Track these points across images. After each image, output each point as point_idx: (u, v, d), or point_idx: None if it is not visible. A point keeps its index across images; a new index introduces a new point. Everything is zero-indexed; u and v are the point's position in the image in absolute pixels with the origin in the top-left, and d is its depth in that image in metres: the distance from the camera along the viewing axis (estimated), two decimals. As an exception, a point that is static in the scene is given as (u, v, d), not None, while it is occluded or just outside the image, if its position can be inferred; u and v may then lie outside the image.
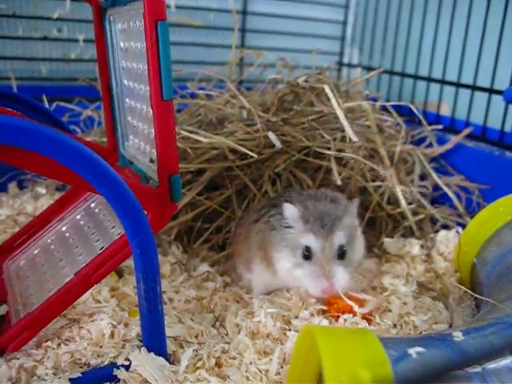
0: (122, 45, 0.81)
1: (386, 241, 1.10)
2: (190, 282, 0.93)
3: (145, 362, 0.65)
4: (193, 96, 1.28)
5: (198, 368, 0.70)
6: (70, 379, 0.63)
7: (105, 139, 1.14)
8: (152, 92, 0.64)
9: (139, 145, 0.80)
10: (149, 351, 0.66)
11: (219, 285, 0.92)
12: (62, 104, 1.30)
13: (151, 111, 0.67)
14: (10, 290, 0.80)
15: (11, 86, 1.34)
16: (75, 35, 1.44)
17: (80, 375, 0.64)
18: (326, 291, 0.78)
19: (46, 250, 0.86)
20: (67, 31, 1.44)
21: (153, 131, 0.69)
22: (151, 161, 0.74)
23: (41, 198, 1.29)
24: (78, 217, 0.89)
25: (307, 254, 0.80)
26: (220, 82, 1.34)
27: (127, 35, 0.78)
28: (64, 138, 0.54)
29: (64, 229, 0.88)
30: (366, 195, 1.12)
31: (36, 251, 0.88)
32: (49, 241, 0.88)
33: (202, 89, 1.27)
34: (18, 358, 0.65)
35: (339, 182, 1.03)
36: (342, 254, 0.81)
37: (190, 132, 1.03)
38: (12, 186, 1.35)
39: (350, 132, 1.02)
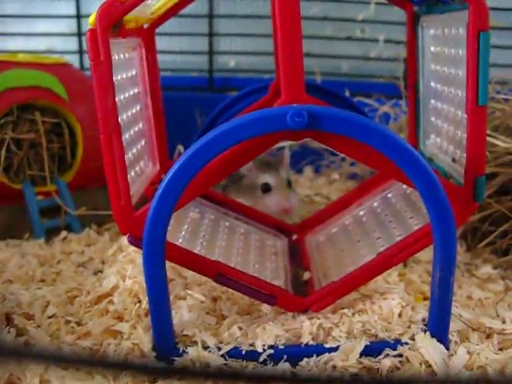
0: (432, 49, 0.88)
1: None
2: (471, 281, 0.94)
3: (428, 345, 0.69)
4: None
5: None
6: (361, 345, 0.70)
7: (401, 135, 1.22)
8: (468, 97, 0.69)
9: (441, 144, 0.86)
10: (432, 336, 0.70)
11: (502, 288, 0.92)
12: (361, 99, 1.40)
13: (459, 114, 0.75)
14: (312, 260, 0.91)
15: (316, 80, 1.49)
16: (376, 35, 1.58)
17: (368, 343, 0.70)
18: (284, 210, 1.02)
19: (344, 230, 0.96)
20: (369, 32, 1.60)
21: (459, 132, 0.76)
22: (453, 160, 0.80)
23: (334, 183, 1.48)
24: (375, 204, 0.95)
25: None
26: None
27: (440, 40, 0.84)
28: (391, 133, 0.64)
29: (361, 213, 0.96)
30: None
31: (334, 230, 0.98)
32: (347, 222, 0.97)
33: (498, 92, 1.22)
34: (319, 318, 0.75)
35: None
36: (290, 185, 1.05)
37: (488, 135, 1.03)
38: (308, 170, 1.56)
39: None
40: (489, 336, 0.76)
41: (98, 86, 0.66)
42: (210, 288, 0.82)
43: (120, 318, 0.77)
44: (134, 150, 0.82)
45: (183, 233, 0.85)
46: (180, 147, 1.26)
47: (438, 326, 0.70)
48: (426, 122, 0.94)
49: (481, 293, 0.87)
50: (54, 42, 1.58)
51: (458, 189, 0.73)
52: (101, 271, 0.94)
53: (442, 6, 0.80)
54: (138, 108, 0.88)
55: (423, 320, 0.75)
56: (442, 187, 0.64)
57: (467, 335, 0.75)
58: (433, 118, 0.90)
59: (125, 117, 0.78)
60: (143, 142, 0.89)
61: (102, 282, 0.86)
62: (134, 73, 0.86)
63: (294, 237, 1.02)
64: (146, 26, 0.92)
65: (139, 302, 0.79)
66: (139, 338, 0.71)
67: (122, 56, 0.79)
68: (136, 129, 0.85)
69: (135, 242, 0.71)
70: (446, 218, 0.65)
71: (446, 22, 0.80)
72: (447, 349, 0.70)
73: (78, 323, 0.77)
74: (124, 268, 0.88)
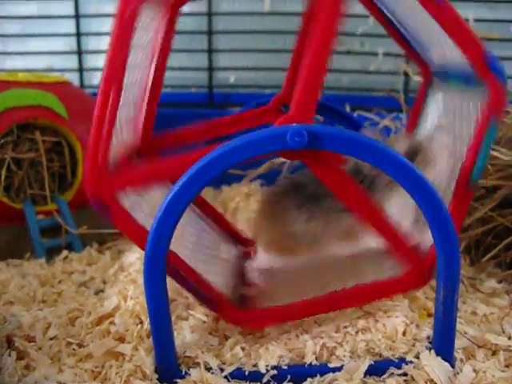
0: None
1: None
2: (476, 295, 0.94)
3: (433, 364, 0.68)
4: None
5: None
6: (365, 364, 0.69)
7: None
8: (461, 173, 0.73)
9: None
10: (437, 354, 0.69)
11: (507, 302, 0.90)
12: (362, 113, 1.40)
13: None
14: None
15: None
16: (375, 49, 1.58)
17: (373, 362, 0.69)
18: None
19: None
20: (368, 45, 1.60)
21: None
22: None
23: None
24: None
25: None
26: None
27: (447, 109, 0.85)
28: (394, 153, 0.64)
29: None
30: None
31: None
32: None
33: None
34: (322, 338, 0.74)
35: None
36: None
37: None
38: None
39: None
40: (495, 353, 0.75)
41: (116, 39, 0.67)
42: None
43: (122, 340, 0.76)
44: (123, 114, 0.79)
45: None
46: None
47: (442, 344, 0.69)
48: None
49: (485, 308, 0.87)
50: (54, 61, 1.59)
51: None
52: (102, 291, 0.93)
53: (460, 79, 0.80)
54: (141, 74, 0.86)
55: (428, 338, 0.74)
56: (445, 206, 0.64)
57: (473, 352, 0.74)
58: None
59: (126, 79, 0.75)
60: (132, 110, 0.87)
61: (103, 302, 0.86)
62: (148, 37, 0.85)
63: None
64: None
65: (141, 322, 0.79)
66: (141, 360, 0.70)
67: (144, 18, 0.77)
68: (131, 95, 0.83)
69: (99, 207, 0.69)
70: (449, 236, 0.64)
71: (459, 94, 0.80)
72: (453, 367, 0.69)
73: (80, 345, 0.76)
74: (125, 288, 0.88)
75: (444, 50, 0.80)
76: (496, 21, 1.54)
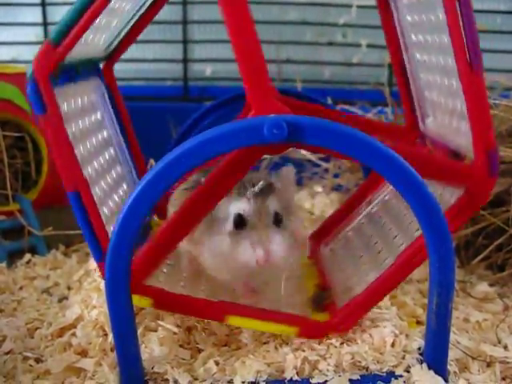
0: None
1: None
2: (468, 301, 0.89)
3: (424, 379, 0.63)
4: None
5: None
6: (350, 380, 0.64)
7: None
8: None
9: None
10: (429, 368, 0.64)
11: (500, 308, 0.87)
12: (344, 107, 1.36)
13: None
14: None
15: (296, 87, 1.44)
16: (358, 40, 1.53)
17: (359, 377, 0.65)
18: (260, 260, 0.67)
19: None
20: (351, 36, 1.55)
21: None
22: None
23: (317, 196, 1.38)
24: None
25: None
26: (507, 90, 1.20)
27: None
28: (384, 148, 0.57)
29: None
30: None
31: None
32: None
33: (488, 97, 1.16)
34: (304, 350, 0.68)
35: None
36: (278, 221, 0.70)
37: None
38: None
39: None
40: (490, 365, 0.70)
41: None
42: (183, 317, 0.75)
43: (84, 353, 0.70)
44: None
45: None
46: (152, 161, 1.19)
47: (435, 356, 0.64)
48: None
49: (478, 314, 0.82)
50: (20, 51, 1.51)
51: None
52: (66, 298, 0.87)
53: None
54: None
55: (419, 349, 0.68)
56: (439, 206, 0.58)
57: (467, 364, 0.69)
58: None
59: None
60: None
61: (65, 311, 0.79)
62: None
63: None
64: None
65: (105, 334, 0.72)
66: (104, 377, 0.65)
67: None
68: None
69: None
70: (443, 240, 0.59)
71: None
72: (446, 381, 0.64)
73: (38, 360, 0.70)
74: (89, 296, 0.81)
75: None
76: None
